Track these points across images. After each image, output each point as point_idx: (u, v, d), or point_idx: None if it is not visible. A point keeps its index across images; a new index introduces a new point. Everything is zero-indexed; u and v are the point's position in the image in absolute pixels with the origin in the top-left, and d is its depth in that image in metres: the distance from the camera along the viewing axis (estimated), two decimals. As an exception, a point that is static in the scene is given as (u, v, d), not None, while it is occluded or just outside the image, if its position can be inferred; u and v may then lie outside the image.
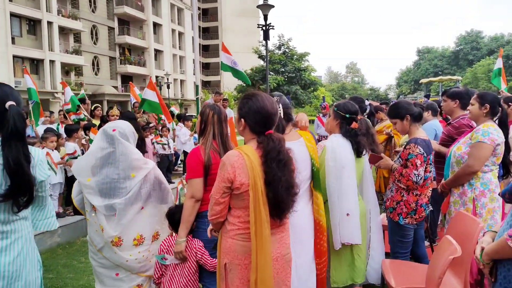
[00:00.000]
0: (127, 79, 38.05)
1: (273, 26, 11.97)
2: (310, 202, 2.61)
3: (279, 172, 1.92)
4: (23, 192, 1.83)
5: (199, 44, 50.02)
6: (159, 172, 2.69)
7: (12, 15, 25.16)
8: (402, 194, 3.03)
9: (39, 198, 2.01)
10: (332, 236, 2.78)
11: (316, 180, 2.61)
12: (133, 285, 2.62)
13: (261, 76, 34.96)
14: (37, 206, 2.05)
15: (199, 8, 52.79)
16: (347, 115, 2.88)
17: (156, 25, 41.19)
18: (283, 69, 35.95)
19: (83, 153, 5.70)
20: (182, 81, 46.28)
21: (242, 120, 2.04)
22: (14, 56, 25.32)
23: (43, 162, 1.97)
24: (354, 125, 2.86)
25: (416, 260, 3.28)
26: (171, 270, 2.55)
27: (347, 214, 2.73)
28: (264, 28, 11.44)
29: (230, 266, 2.02)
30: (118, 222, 2.50)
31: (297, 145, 2.49)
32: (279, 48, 36.81)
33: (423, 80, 34.08)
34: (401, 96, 46.98)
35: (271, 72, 36.02)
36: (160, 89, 33.55)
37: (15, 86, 24.81)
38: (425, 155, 2.90)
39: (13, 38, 25.34)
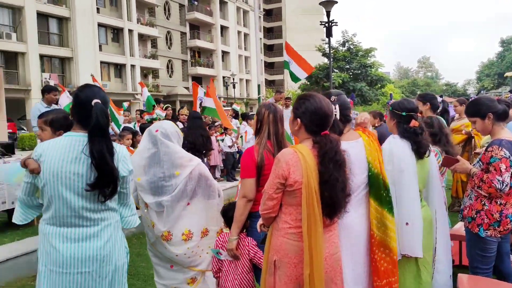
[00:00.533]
0: (197, 80, 40.40)
1: (336, 22, 12.00)
2: (366, 211, 2.33)
3: (335, 172, 1.93)
4: (107, 184, 1.94)
5: (263, 44, 51.36)
6: (204, 168, 2.74)
7: (99, 25, 28.16)
8: (483, 202, 2.68)
9: (123, 195, 2.13)
10: None
11: (373, 187, 2.31)
12: (186, 277, 2.70)
13: (325, 73, 34.53)
14: (122, 203, 2.16)
15: (263, 9, 54.00)
16: (403, 113, 2.61)
17: (223, 28, 43.01)
18: (348, 66, 35.07)
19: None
20: (247, 81, 47.74)
21: (298, 120, 2.05)
22: (101, 62, 28.33)
23: (126, 158, 2.07)
24: (413, 123, 2.58)
25: (499, 277, 2.88)
26: (226, 266, 2.55)
27: (406, 224, 2.45)
28: (326, 25, 11.72)
29: (279, 263, 2.01)
30: (166, 218, 2.58)
31: (354, 146, 2.31)
32: (343, 44, 35.99)
33: (508, 74, 31.13)
34: (482, 91, 43.63)
35: (335, 70, 35.63)
36: (227, 88, 35.15)
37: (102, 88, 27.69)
38: (511, 158, 2.54)
39: (100, 46, 28.31)
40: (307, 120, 2.02)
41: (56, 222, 1.96)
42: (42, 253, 2.00)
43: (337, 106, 2.35)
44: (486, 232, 2.66)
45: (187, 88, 37.89)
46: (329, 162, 1.92)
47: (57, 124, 2.43)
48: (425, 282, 2.57)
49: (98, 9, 27.95)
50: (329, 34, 11.78)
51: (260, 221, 2.22)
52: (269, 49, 56.18)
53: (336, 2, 11.38)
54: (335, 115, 2.31)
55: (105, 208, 2.00)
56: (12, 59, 23.97)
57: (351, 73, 35.35)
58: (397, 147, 2.54)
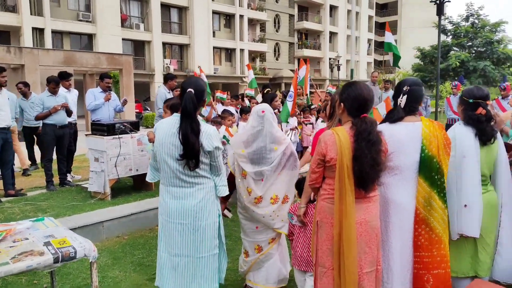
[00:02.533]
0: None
1: None
2: (415, 189, 2.48)
3: (366, 150, 2.17)
4: (190, 156, 2.35)
5: (375, 22, 48.65)
6: (292, 146, 3.12)
7: (214, 12, 30.09)
8: None
9: (214, 167, 2.52)
10: (450, 226, 2.64)
11: (425, 168, 2.45)
12: (268, 237, 3.07)
13: (442, 52, 31.63)
14: (215, 173, 2.55)
15: (377, -15, 51.01)
16: (470, 100, 2.74)
17: (332, 8, 42.06)
18: (470, 43, 31.31)
19: None
20: (356, 62, 46.20)
21: (342, 104, 2.33)
22: (213, 47, 30.39)
23: (211, 136, 2.43)
24: (479, 110, 2.69)
25: None
26: (297, 230, 2.94)
27: (465, 206, 2.63)
28: (437, 1, 10.84)
29: (320, 223, 2.36)
30: (264, 185, 2.95)
31: (410, 128, 2.48)
32: (466, 19, 32.10)
33: None
34: None
35: (455, 48, 32.28)
36: (332, 70, 34.59)
37: (214, 72, 29.93)
38: None
39: (213, 32, 30.32)
40: (349, 104, 2.30)
41: (164, 182, 2.53)
42: (160, 204, 2.61)
43: (404, 97, 2.53)
44: None
45: (292, 70, 38.35)
46: (362, 141, 2.18)
47: (174, 107, 3.12)
48: (482, 263, 2.68)
49: (212, -4, 29.90)
50: (440, 12, 10.89)
51: (300, 211, 2.68)
52: (381, 28, 53.16)
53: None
54: (400, 104, 2.54)
55: (197, 174, 2.45)
56: (140, 47, 27.20)
57: (473, 51, 31.52)
58: (460, 133, 2.67)
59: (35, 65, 13.69)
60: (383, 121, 2.65)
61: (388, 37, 7.53)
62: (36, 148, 7.85)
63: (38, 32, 21.64)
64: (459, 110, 2.86)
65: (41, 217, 2.82)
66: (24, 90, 7.70)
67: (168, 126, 2.47)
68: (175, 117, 2.48)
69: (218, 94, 9.28)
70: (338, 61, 32.42)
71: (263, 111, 2.93)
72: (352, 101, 2.28)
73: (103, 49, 21.67)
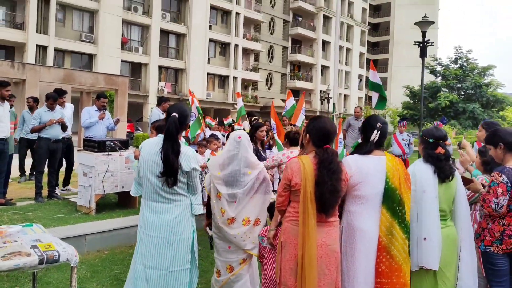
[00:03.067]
0: (295, 93, 41.42)
1: (432, 43, 11.80)
2: (379, 217, 2.61)
3: (327, 177, 2.39)
4: (170, 174, 2.56)
5: (366, 58, 50.32)
6: (266, 171, 3.28)
7: (210, 40, 31.06)
8: (487, 221, 2.95)
9: (191, 186, 2.71)
10: (410, 257, 2.71)
11: (388, 199, 2.60)
12: (240, 258, 3.17)
13: (431, 92, 32.15)
14: (191, 192, 2.72)
15: (369, 23, 53.05)
16: (430, 140, 2.91)
17: (325, 43, 43.54)
18: (459, 85, 31.78)
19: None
20: (346, 96, 47.37)
21: (308, 135, 2.59)
22: (208, 73, 31.12)
23: (190, 157, 2.63)
24: (439, 149, 2.86)
25: None
26: (267, 253, 3.05)
27: (424, 238, 2.71)
28: (421, 45, 11.50)
29: (284, 243, 2.51)
30: (237, 206, 3.08)
31: (376, 161, 2.67)
32: (455, 62, 32.90)
33: None
34: None
35: (444, 89, 33.19)
36: (322, 103, 35.44)
37: (207, 97, 30.46)
38: (509, 185, 2.80)
39: (208, 59, 31.16)
40: (314, 136, 2.56)
41: (145, 196, 2.75)
42: (140, 218, 2.80)
43: (378, 133, 2.74)
44: (489, 248, 2.89)
45: (283, 100, 39.13)
46: (323, 169, 2.42)
47: (159, 128, 3.44)
48: None
49: (210, 26, 30.88)
50: (423, 54, 11.57)
51: (270, 234, 2.86)
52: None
53: (433, 22, 11.19)
54: (374, 139, 2.73)
55: (175, 192, 2.65)
56: (137, 69, 27.85)
57: (463, 93, 32.07)
58: (420, 169, 2.84)
59: (36, 81, 13.99)
60: (353, 153, 2.87)
61: (373, 76, 6.81)
62: (27, 160, 8.05)
63: (42, 49, 22.26)
64: (419, 149, 3.04)
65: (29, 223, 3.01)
66: (32, 104, 8.08)
67: (152, 145, 2.71)
68: (159, 138, 2.70)
69: (207, 120, 9.61)
70: (328, 94, 33.27)
71: (239, 137, 3.12)
72: (316, 133, 2.55)
73: (102, 69, 22.28)
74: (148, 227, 2.69)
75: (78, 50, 24.11)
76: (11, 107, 7.51)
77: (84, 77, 15.65)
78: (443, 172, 2.81)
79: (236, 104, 31.62)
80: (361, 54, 50.20)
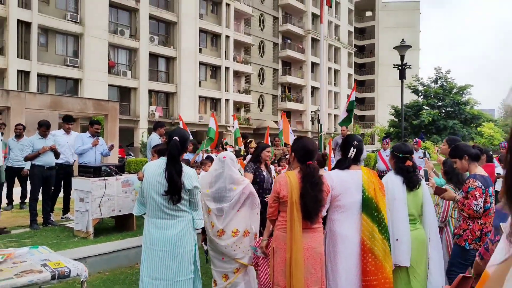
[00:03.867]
0: (287, 114, 42.01)
1: (409, 65, 12.48)
2: (359, 223, 2.95)
3: (310, 189, 2.73)
4: (174, 193, 2.83)
5: (354, 79, 51.52)
6: (251, 187, 3.57)
7: (201, 63, 31.40)
8: (467, 223, 3.34)
9: (192, 203, 2.97)
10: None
11: (366, 207, 2.94)
12: (233, 268, 3.45)
13: (414, 111, 33.94)
14: (193, 208, 2.99)
15: (355, 46, 54.53)
16: (400, 155, 3.35)
17: (314, 65, 44.49)
18: (440, 103, 33.94)
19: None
20: (335, 116, 48.14)
21: (293, 153, 2.99)
22: (199, 96, 31.39)
23: (191, 177, 2.91)
24: (407, 163, 3.30)
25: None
26: (261, 261, 3.30)
27: (397, 239, 3.12)
28: (400, 68, 12.08)
29: (276, 249, 2.84)
30: (224, 219, 3.38)
31: (353, 174, 3.03)
32: (435, 81, 35.18)
33: None
34: None
35: (426, 107, 34.58)
36: (312, 123, 35.97)
37: (199, 120, 30.71)
38: (483, 188, 3.22)
39: (199, 82, 31.45)
40: (298, 154, 2.93)
41: (150, 214, 2.97)
42: (144, 234, 3.01)
43: (354, 150, 3.08)
44: (470, 246, 3.32)
45: (276, 122, 39.60)
46: (307, 182, 2.77)
47: (161, 152, 3.64)
48: None
49: (200, 49, 31.27)
50: (401, 76, 12.15)
51: (263, 243, 3.11)
52: (360, 85, 56.08)
53: (410, 47, 11.92)
54: (351, 155, 3.08)
55: (178, 208, 2.90)
56: (126, 93, 27.79)
57: (443, 111, 34.10)
58: (391, 180, 3.28)
59: (22, 108, 13.94)
60: (333, 168, 3.21)
61: (353, 96, 7.79)
62: (15, 189, 8.09)
63: (24, 74, 21.87)
64: (391, 163, 3.47)
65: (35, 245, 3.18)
66: (21, 132, 8.05)
67: (155, 167, 2.95)
68: (162, 160, 2.96)
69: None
70: (318, 114, 33.82)
71: (224, 157, 3.48)
72: (300, 151, 2.91)
73: (89, 94, 22.00)
74: (153, 242, 2.91)
75: (62, 75, 23.69)
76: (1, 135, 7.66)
77: (71, 103, 15.50)
78: (411, 182, 3.26)
79: (229, 126, 32.19)
80: (349, 75, 51.40)
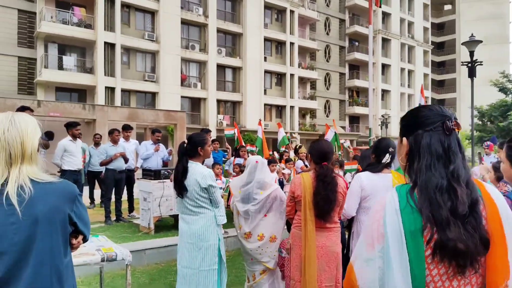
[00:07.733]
0: (354, 119, 41.11)
1: (480, 62, 11.60)
2: None
3: (321, 188, 2.89)
4: (179, 189, 3.21)
5: (431, 79, 48.35)
6: (280, 192, 3.63)
7: (266, 71, 32.22)
8: None
9: (212, 201, 3.24)
10: None
11: None
12: (260, 269, 3.61)
13: (501, 112, 30.53)
14: (214, 206, 3.25)
15: (432, 43, 51.31)
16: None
17: (384, 66, 42.86)
18: None
19: (281, 183, 7.61)
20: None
21: (309, 155, 3.14)
22: (264, 104, 32.13)
23: (205, 176, 3.17)
24: None
25: None
26: (287, 262, 3.40)
27: None
28: (469, 65, 11.30)
29: (292, 245, 3.04)
30: (251, 223, 3.52)
31: (383, 177, 3.06)
32: None
33: None
34: None
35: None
36: (381, 128, 34.64)
37: (264, 128, 31.19)
38: None
39: (265, 90, 32.22)
40: (314, 155, 3.08)
41: (179, 210, 3.42)
42: (179, 228, 3.40)
43: (389, 156, 3.10)
44: None
45: (343, 127, 38.90)
46: (319, 182, 2.93)
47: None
48: None
49: (265, 58, 32.09)
50: (471, 75, 11.35)
51: (287, 245, 3.24)
52: (439, 85, 52.74)
53: (481, 42, 10.99)
54: (386, 161, 3.10)
55: (199, 205, 3.23)
56: (196, 103, 29.56)
57: None
58: None
59: (105, 120, 15.80)
60: (364, 170, 3.22)
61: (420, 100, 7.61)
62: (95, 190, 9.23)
63: (110, 90, 24.59)
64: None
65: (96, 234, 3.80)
66: (99, 140, 9.33)
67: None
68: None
69: (248, 147, 10.46)
70: (386, 118, 32.56)
71: (257, 161, 3.62)
72: (315, 153, 3.07)
73: (164, 106, 24.11)
74: (183, 235, 3.33)
75: (141, 89, 26.14)
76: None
77: (146, 114, 17.52)
78: None
79: (294, 133, 32.30)
80: (425, 75, 48.37)
